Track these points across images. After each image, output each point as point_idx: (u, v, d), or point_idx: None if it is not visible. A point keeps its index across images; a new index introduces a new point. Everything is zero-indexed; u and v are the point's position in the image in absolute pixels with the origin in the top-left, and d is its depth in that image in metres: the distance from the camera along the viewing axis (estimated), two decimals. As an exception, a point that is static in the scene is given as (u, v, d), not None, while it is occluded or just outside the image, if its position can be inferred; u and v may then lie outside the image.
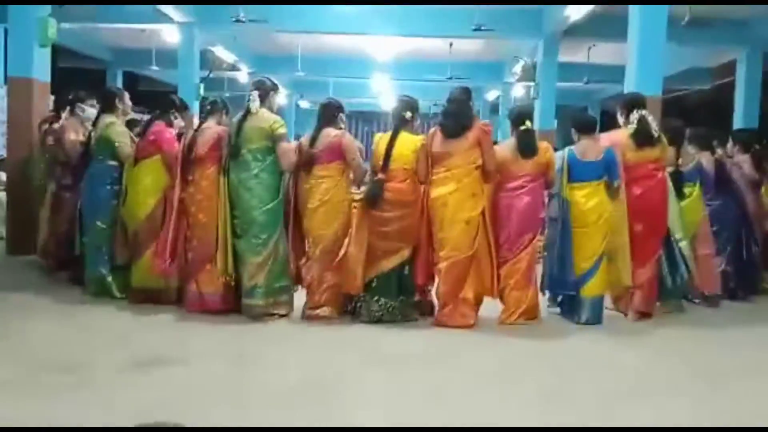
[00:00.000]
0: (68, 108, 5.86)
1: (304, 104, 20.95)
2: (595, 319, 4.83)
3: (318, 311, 4.68)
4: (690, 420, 3.09)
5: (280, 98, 18.86)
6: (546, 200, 5.01)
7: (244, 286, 4.66)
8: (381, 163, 4.62)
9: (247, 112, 4.65)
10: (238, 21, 9.74)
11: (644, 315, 4.98)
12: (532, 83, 11.83)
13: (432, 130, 4.76)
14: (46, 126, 6.13)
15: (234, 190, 4.65)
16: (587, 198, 4.81)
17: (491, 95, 17.61)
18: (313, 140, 4.70)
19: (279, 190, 4.73)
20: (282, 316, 4.69)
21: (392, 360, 3.91)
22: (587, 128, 5.04)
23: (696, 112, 5.41)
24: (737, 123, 10.47)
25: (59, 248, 5.62)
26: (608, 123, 5.13)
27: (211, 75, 13.23)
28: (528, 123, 4.82)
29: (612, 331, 4.71)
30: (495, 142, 5.02)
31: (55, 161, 5.78)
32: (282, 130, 4.67)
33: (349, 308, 4.79)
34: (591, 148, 4.92)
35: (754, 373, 3.90)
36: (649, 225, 4.95)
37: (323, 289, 4.70)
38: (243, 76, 15.72)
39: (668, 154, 5.16)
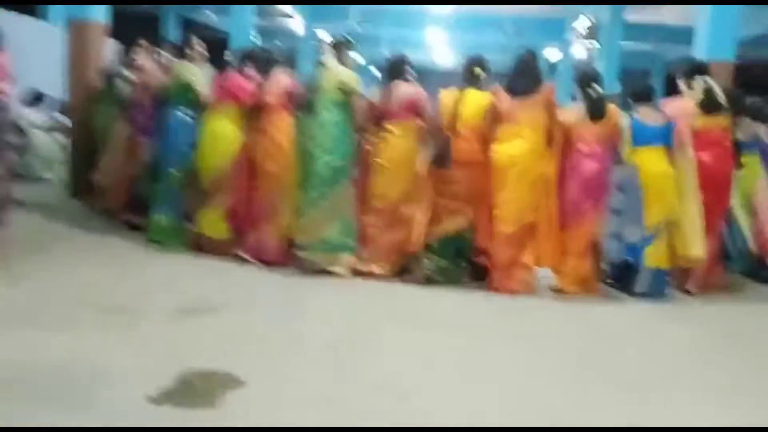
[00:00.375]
0: (145, 52, 5.83)
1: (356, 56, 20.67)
2: (656, 292, 4.62)
3: (373, 267, 4.59)
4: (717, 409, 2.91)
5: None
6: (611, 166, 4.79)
7: (302, 239, 4.62)
8: (448, 120, 4.49)
9: (320, 65, 4.62)
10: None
11: (708, 287, 4.80)
12: (594, 43, 11.37)
13: (496, 87, 4.61)
14: (119, 72, 6.07)
15: (302, 142, 4.61)
16: (650, 162, 4.63)
17: (551, 54, 17.04)
18: (385, 95, 4.59)
19: (348, 145, 4.63)
20: (338, 274, 4.59)
21: (433, 323, 3.84)
22: (644, 96, 4.88)
23: (758, 83, 5.04)
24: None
25: (128, 192, 5.59)
26: (673, 88, 4.87)
27: (265, 23, 13.12)
28: (595, 84, 4.62)
29: (670, 305, 4.54)
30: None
31: (130, 104, 5.70)
32: (357, 86, 4.60)
33: (402, 267, 4.70)
34: (650, 115, 4.76)
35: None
36: (715, 194, 4.75)
37: (381, 245, 4.62)
38: (297, 24, 15.56)
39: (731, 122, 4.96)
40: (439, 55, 19.48)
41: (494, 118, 4.51)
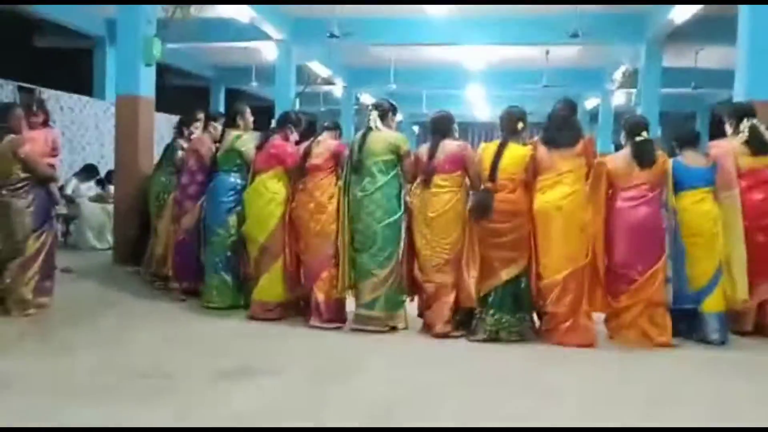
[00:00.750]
0: (202, 125, 6.10)
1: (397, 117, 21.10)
2: (724, 337, 4.50)
3: (442, 327, 4.55)
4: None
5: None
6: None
7: (362, 298, 4.69)
8: (488, 173, 4.54)
9: (368, 128, 4.80)
10: (332, 36, 9.92)
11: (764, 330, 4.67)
12: (633, 90, 11.35)
13: (534, 140, 4.69)
14: (176, 142, 6.31)
15: (357, 203, 4.70)
16: (698, 204, 4.59)
17: (590, 103, 17.03)
18: (433, 152, 4.69)
19: (401, 204, 4.78)
20: (395, 329, 4.69)
21: (492, 383, 3.71)
22: (689, 141, 4.87)
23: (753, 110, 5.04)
24: None
25: (176, 258, 5.69)
26: (719, 130, 4.87)
27: (307, 89, 13.55)
28: (645, 133, 4.63)
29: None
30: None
31: (180, 172, 5.92)
32: (407, 146, 4.79)
33: (470, 326, 4.60)
34: (695, 158, 4.75)
35: None
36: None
37: (445, 303, 4.60)
38: (338, 89, 16.04)
39: None
40: (478, 109, 19.71)
41: (534, 169, 4.54)
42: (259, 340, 4.46)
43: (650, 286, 4.42)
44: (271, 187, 4.99)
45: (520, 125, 4.67)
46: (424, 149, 4.80)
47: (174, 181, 6.01)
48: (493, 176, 4.50)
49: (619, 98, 14.63)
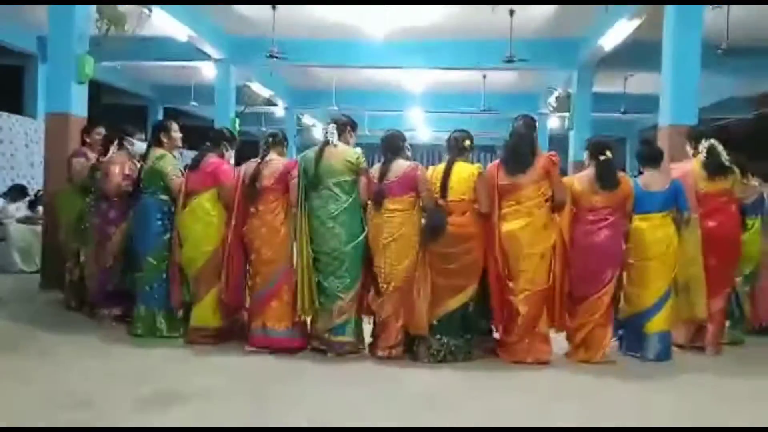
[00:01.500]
0: (116, 142, 5.72)
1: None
2: (664, 354, 4.66)
3: (393, 351, 4.52)
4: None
5: (317, 132, 19.18)
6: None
7: (329, 323, 4.54)
8: (439, 194, 4.50)
9: (325, 143, 4.65)
10: (271, 56, 9.90)
11: (717, 347, 4.90)
12: (567, 114, 11.71)
13: (494, 163, 4.67)
14: (86, 160, 5.95)
15: (322, 226, 4.53)
16: (653, 230, 4.70)
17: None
18: (383, 173, 4.58)
19: (364, 225, 4.62)
20: (361, 350, 4.63)
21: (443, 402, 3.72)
22: (653, 160, 4.94)
23: (738, 141, 5.24)
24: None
25: (102, 284, 5.40)
26: (650, 153, 4.99)
27: (248, 110, 13.46)
28: (608, 153, 4.67)
29: (686, 369, 4.52)
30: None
31: (102, 196, 5.52)
32: (364, 164, 4.65)
33: (412, 348, 4.60)
34: (656, 179, 4.83)
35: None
36: (724, 257, 4.87)
37: (398, 328, 4.54)
38: (279, 110, 15.98)
39: (739, 185, 5.09)
40: (420, 131, 19.95)
41: (486, 190, 4.50)
42: (190, 365, 4.33)
43: (600, 306, 4.54)
44: (209, 209, 4.80)
45: (467, 143, 4.63)
46: (375, 170, 4.65)
47: (95, 203, 5.61)
48: (444, 195, 4.47)
49: (554, 122, 15.07)
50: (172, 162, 5.06)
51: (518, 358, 4.48)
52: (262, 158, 4.74)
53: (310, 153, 4.67)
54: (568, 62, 10.76)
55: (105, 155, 5.79)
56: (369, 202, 4.63)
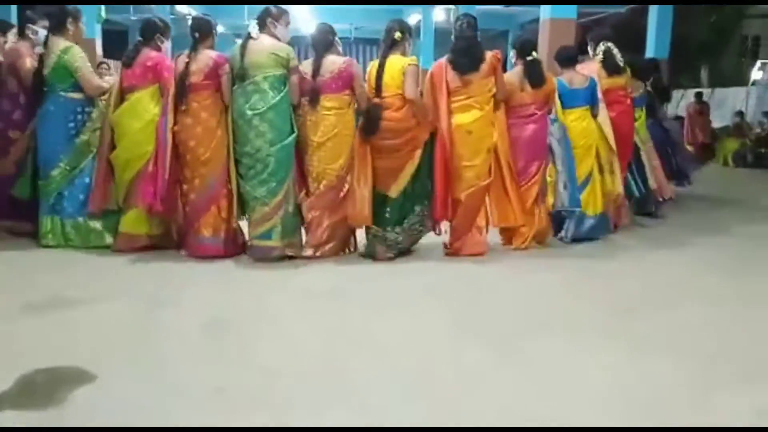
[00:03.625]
0: (15, 30, 5.09)
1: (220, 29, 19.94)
2: (601, 233, 5.27)
3: (323, 249, 4.52)
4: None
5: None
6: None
7: (256, 229, 4.42)
8: (374, 90, 4.43)
9: (248, 37, 4.36)
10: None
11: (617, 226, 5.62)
12: (452, 6, 11.62)
13: (440, 62, 4.67)
14: None
15: (246, 123, 4.30)
16: (578, 122, 5.18)
17: (412, 19, 17.24)
18: (316, 69, 4.41)
19: (293, 124, 4.41)
20: (292, 257, 4.48)
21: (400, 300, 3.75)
22: (569, 61, 5.34)
23: (613, 35, 5.56)
24: (650, 48, 10.63)
25: (3, 195, 4.86)
26: (567, 54, 5.40)
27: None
28: (535, 53, 4.92)
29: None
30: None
31: (4, 95, 4.89)
32: (295, 61, 4.40)
33: (354, 248, 4.67)
34: (575, 78, 5.25)
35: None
36: (622, 141, 5.49)
37: (326, 226, 4.52)
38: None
39: (630, 82, 5.74)
40: (303, 23, 19.21)
41: (416, 81, 4.45)
42: (148, 274, 4.14)
43: (528, 198, 4.87)
44: (150, 108, 4.48)
45: (398, 35, 4.48)
46: (306, 66, 4.50)
47: None
48: (378, 93, 4.43)
49: (440, 15, 14.92)
50: (81, 54, 4.58)
51: (456, 251, 4.69)
52: (189, 53, 4.42)
53: (236, 47, 4.45)
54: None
55: None
56: (302, 101, 4.46)
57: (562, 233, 5.22)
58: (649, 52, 10.24)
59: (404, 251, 4.63)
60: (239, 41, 4.49)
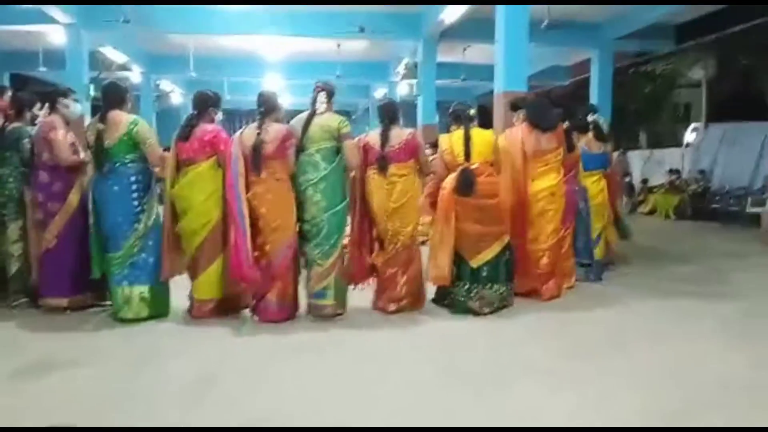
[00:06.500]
0: (47, 104, 5.05)
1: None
2: (601, 276, 6.29)
3: (400, 304, 4.82)
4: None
5: (175, 98, 18.79)
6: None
7: (311, 288, 4.67)
8: (461, 158, 4.88)
9: (314, 112, 4.69)
10: (125, 21, 9.79)
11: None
12: (414, 81, 12.65)
13: (514, 129, 5.46)
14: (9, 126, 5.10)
15: (302, 193, 4.60)
16: (596, 183, 6.31)
17: (378, 93, 18.44)
18: (384, 140, 4.77)
19: (345, 191, 4.73)
20: (340, 314, 4.72)
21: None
22: (586, 129, 6.42)
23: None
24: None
25: (44, 268, 4.80)
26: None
27: (103, 75, 13.12)
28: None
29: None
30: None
31: (32, 167, 4.91)
32: (348, 129, 4.65)
33: (445, 301, 4.98)
34: (594, 144, 6.45)
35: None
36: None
37: (403, 283, 4.82)
38: (136, 76, 15.60)
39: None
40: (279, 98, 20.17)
41: (523, 155, 5.25)
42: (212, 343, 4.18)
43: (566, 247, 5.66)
44: (213, 180, 4.60)
45: (472, 111, 5.16)
46: (374, 137, 4.83)
47: (23, 176, 4.99)
48: (467, 159, 4.87)
49: (404, 89, 16.02)
50: (148, 126, 4.72)
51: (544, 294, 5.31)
52: (260, 125, 4.60)
53: (297, 121, 4.73)
54: (414, 33, 11.55)
55: (18, 120, 5.16)
56: (368, 170, 4.79)
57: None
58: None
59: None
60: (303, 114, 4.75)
